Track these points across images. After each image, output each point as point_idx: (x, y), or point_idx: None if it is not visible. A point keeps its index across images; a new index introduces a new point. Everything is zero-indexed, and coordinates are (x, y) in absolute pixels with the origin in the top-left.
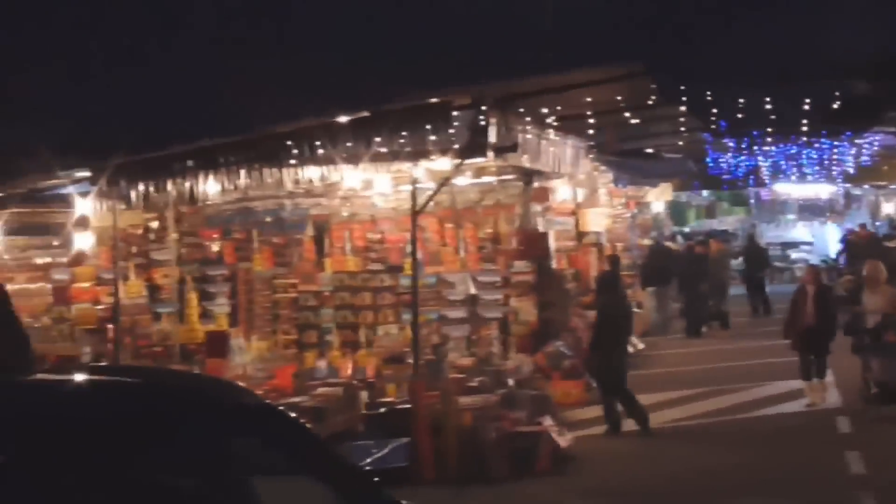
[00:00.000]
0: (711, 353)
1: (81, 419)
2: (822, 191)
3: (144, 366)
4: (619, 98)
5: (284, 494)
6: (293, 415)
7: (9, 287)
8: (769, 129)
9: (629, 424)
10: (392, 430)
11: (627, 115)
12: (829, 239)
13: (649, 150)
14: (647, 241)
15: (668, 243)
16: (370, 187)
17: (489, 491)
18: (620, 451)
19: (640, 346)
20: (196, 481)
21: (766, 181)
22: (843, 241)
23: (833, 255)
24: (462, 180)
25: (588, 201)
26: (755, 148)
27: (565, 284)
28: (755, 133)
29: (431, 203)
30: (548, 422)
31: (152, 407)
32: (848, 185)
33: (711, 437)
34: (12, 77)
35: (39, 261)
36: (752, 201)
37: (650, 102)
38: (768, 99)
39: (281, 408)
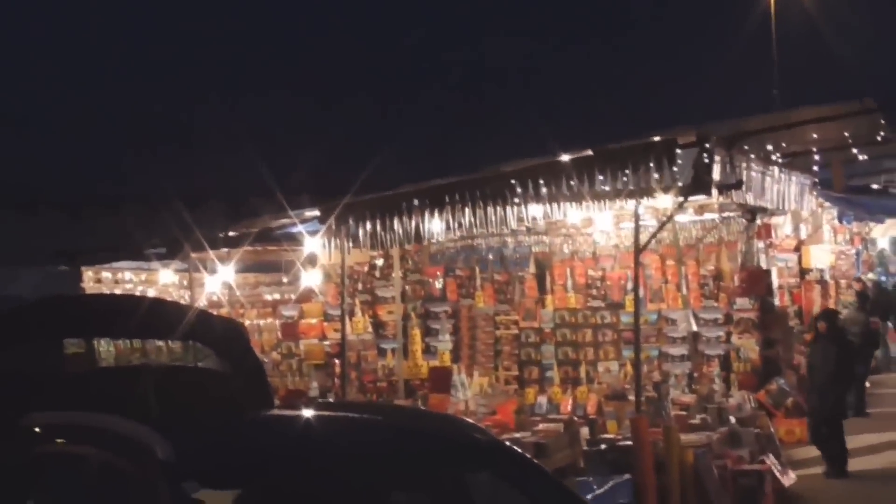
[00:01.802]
0: None
1: (321, 454)
2: None
3: (374, 402)
4: (846, 134)
5: None
6: (520, 450)
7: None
8: None
9: (853, 465)
10: (614, 466)
11: (855, 150)
12: None
13: (876, 186)
14: (870, 278)
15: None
16: (592, 225)
17: None
18: (844, 492)
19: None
20: None
21: None
22: None
23: None
24: (684, 217)
25: (812, 238)
26: None
27: (788, 321)
28: None
29: (653, 240)
30: (771, 460)
31: (392, 444)
32: None
33: None
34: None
35: (269, 297)
36: None
37: (879, 138)
38: None
39: (508, 443)
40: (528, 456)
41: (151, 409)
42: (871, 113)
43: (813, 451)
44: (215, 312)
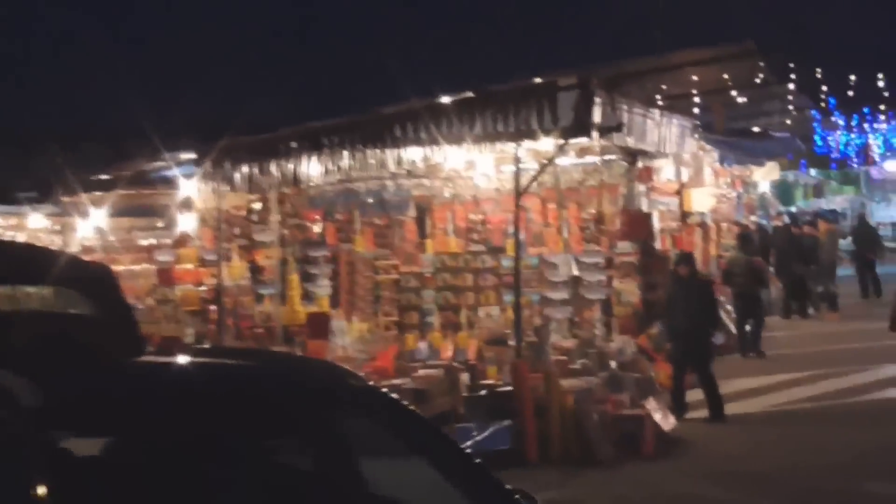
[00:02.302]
0: (819, 336)
1: (192, 401)
2: None
3: (250, 348)
4: (726, 77)
5: (394, 476)
6: (396, 397)
7: (114, 268)
8: (882, 107)
9: (735, 408)
10: (494, 412)
11: (735, 93)
12: None
13: (756, 129)
14: (752, 221)
15: (775, 223)
16: (473, 168)
17: (597, 473)
18: (725, 435)
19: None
20: (307, 463)
21: (877, 159)
22: None
23: None
24: (565, 160)
25: (693, 181)
26: (866, 125)
27: (669, 265)
28: (866, 110)
29: (534, 184)
30: (651, 405)
31: (263, 390)
32: None
33: (821, 421)
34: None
35: (144, 242)
36: (862, 180)
37: (758, 81)
38: (881, 75)
39: (385, 390)
40: (405, 402)
41: (17, 356)
42: (751, 56)
43: (693, 396)
44: (87, 258)
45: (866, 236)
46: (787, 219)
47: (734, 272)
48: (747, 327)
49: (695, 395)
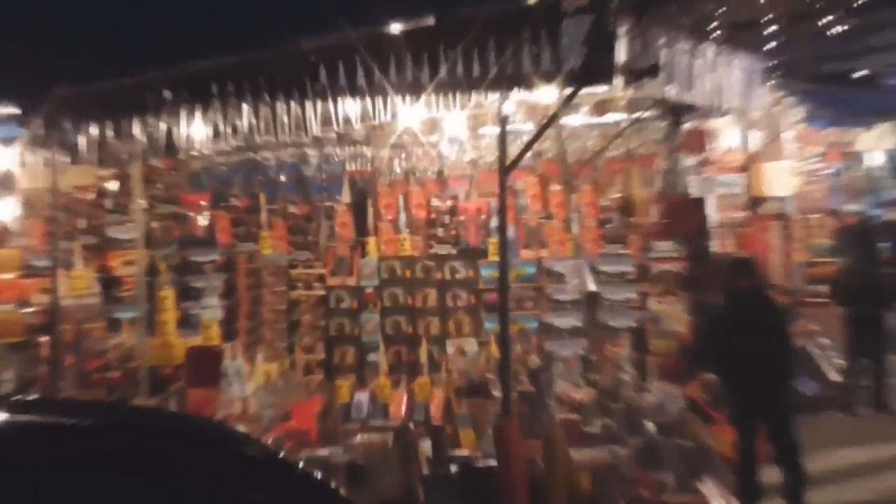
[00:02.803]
0: None
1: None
2: None
3: (97, 401)
4: None
5: None
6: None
7: None
8: None
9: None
10: (469, 498)
11: (829, 19)
12: None
13: (862, 74)
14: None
15: (889, 214)
16: (436, 130)
17: None
18: None
19: None
20: None
21: None
22: None
23: None
24: (575, 119)
25: (767, 151)
26: None
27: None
28: None
29: (529, 154)
30: (708, 488)
31: (115, 466)
32: None
33: None
34: None
35: None
36: None
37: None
38: None
39: (303, 465)
40: (332, 485)
41: None
42: None
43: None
44: None
45: None
46: None
47: (844, 286)
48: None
49: (772, 471)
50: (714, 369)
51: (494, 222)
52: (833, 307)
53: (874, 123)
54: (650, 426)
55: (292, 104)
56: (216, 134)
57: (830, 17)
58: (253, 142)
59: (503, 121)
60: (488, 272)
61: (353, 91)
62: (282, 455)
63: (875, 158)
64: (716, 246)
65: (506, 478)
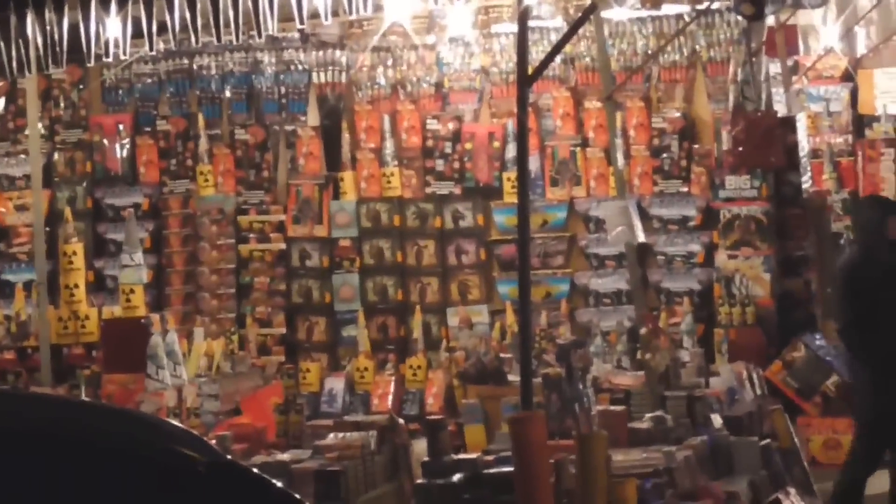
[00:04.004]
0: None
1: None
2: None
3: None
4: None
5: None
6: (279, 484)
7: None
8: None
9: None
10: None
11: None
12: None
13: None
14: None
15: None
16: (434, 29)
17: None
18: None
19: None
20: None
21: None
22: None
23: None
24: (621, 13)
25: (879, 54)
26: None
27: (831, 223)
28: None
29: (558, 60)
30: (793, 499)
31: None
32: None
33: None
34: None
35: None
36: None
37: None
38: None
39: (257, 472)
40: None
41: None
42: None
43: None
44: None
45: None
46: None
47: None
48: None
49: (880, 478)
50: (850, 343)
51: (511, 151)
52: None
53: None
54: (717, 420)
55: None
56: (138, 34)
57: None
58: (188, 45)
59: (523, 15)
60: (503, 218)
61: None
62: (229, 460)
63: None
64: (810, 182)
65: (525, 488)
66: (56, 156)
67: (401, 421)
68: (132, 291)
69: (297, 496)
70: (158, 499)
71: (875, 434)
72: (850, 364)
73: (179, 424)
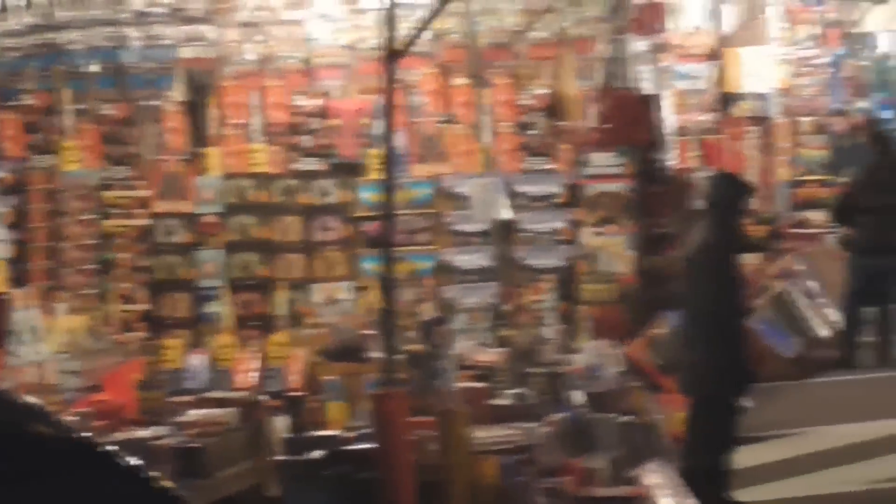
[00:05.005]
0: None
1: None
2: None
3: None
4: None
5: None
6: (137, 462)
7: None
8: None
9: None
10: (339, 492)
11: None
12: None
13: None
14: (861, 113)
15: None
16: (302, 4)
17: None
18: None
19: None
20: None
21: None
22: None
23: None
24: None
25: (743, 33)
26: None
27: (693, 200)
28: None
29: (425, 36)
30: (653, 476)
31: None
32: None
33: None
34: None
35: None
36: None
37: None
38: None
39: (117, 449)
40: (157, 476)
41: None
42: None
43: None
44: None
45: None
46: None
47: (860, 202)
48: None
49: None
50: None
51: (378, 128)
52: (826, 240)
53: None
54: (578, 397)
55: None
56: (1, 7)
57: None
58: (52, 18)
59: None
60: (368, 194)
61: None
62: (87, 437)
63: (887, 43)
64: (674, 159)
65: (387, 465)
66: None
67: (263, 398)
68: None
69: (151, 473)
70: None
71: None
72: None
73: (31, 399)
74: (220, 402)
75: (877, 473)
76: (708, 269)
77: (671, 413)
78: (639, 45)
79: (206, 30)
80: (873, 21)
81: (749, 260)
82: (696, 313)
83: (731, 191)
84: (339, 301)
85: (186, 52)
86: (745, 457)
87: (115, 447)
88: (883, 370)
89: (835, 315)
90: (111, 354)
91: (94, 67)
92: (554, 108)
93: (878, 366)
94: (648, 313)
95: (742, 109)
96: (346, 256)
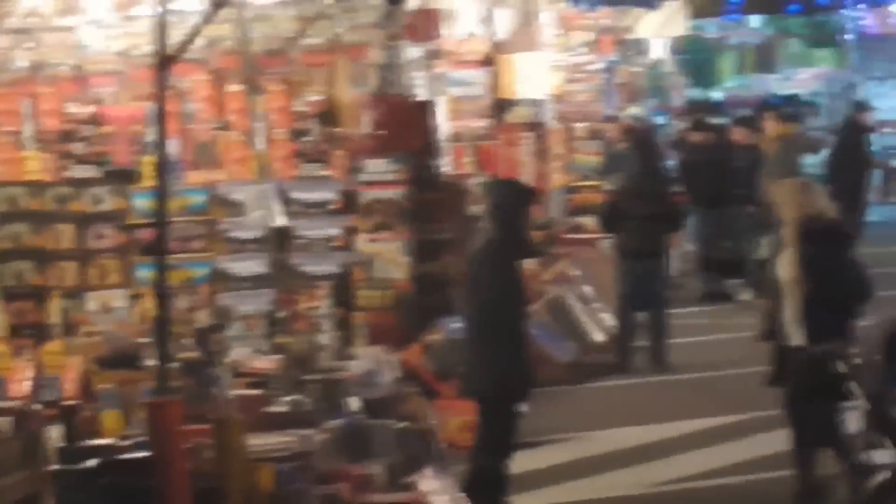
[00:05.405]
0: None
1: None
2: None
3: None
4: None
5: None
6: None
7: None
8: None
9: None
10: (114, 500)
11: None
12: None
13: None
14: (627, 119)
15: (678, 123)
16: (74, 11)
17: None
18: None
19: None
20: None
21: None
22: None
23: None
24: None
25: (517, 40)
26: None
27: (469, 206)
28: None
29: (198, 42)
30: (429, 484)
31: None
32: None
33: None
34: None
35: None
36: (849, 38)
37: None
38: None
39: None
40: None
41: None
42: None
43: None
44: None
45: (854, 148)
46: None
47: (617, 212)
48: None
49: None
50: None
51: (151, 135)
52: (601, 246)
53: (659, 2)
54: (355, 403)
55: None
56: None
57: None
58: None
59: None
60: (142, 202)
61: None
62: None
63: (659, 49)
64: (450, 166)
65: (162, 473)
66: None
67: (37, 406)
68: None
69: None
70: None
71: (491, 409)
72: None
73: None
74: None
75: (652, 477)
76: (491, 275)
77: (448, 419)
78: (413, 51)
79: None
80: (645, 28)
81: (526, 265)
82: (479, 319)
83: (513, 197)
84: (114, 309)
85: None
86: (521, 462)
87: None
88: (656, 374)
89: (609, 320)
90: None
91: None
92: (328, 114)
93: (652, 370)
94: (424, 319)
95: (516, 115)
96: (120, 264)
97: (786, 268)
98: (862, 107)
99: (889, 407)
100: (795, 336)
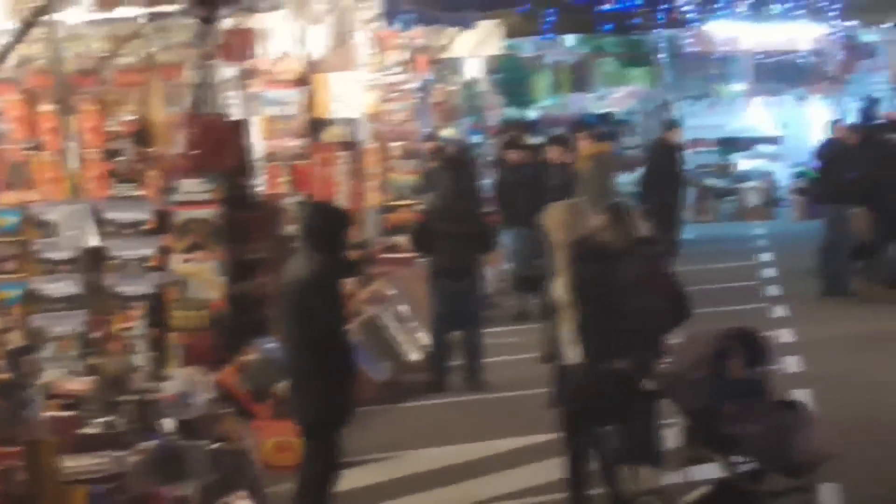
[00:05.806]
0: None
1: None
2: (802, 36)
3: None
4: None
5: None
6: None
7: None
8: None
9: None
10: None
11: None
12: (812, 131)
13: None
14: (449, 139)
15: (495, 142)
16: None
17: None
18: None
19: None
20: None
21: (691, 17)
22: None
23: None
24: (75, 15)
25: (332, 59)
26: None
27: (284, 226)
28: None
29: (10, 62)
30: (244, 500)
31: None
32: (853, 23)
33: None
34: None
35: None
36: (663, 57)
37: None
38: None
39: None
40: None
41: None
42: None
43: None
44: None
45: (666, 167)
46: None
47: (428, 232)
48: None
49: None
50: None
51: None
52: (417, 265)
53: (474, 21)
54: (169, 424)
55: None
56: None
57: None
58: None
59: None
60: None
61: None
62: None
63: (475, 68)
64: (264, 185)
65: None
66: None
67: None
68: None
69: None
70: None
71: (318, 432)
72: (294, 365)
73: None
74: None
75: (468, 496)
76: (310, 297)
77: (263, 439)
78: (227, 70)
79: None
80: (461, 47)
81: (342, 285)
82: (303, 343)
83: (331, 221)
84: None
85: None
86: (340, 481)
87: None
88: (471, 393)
89: (425, 339)
90: None
91: None
92: (142, 134)
93: (467, 389)
94: (239, 339)
95: (331, 135)
96: None
97: (559, 290)
98: (671, 125)
99: (718, 422)
100: (572, 355)
